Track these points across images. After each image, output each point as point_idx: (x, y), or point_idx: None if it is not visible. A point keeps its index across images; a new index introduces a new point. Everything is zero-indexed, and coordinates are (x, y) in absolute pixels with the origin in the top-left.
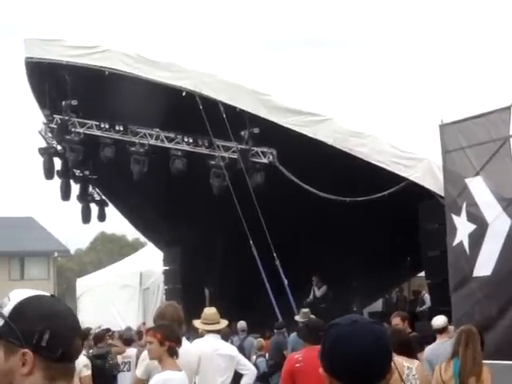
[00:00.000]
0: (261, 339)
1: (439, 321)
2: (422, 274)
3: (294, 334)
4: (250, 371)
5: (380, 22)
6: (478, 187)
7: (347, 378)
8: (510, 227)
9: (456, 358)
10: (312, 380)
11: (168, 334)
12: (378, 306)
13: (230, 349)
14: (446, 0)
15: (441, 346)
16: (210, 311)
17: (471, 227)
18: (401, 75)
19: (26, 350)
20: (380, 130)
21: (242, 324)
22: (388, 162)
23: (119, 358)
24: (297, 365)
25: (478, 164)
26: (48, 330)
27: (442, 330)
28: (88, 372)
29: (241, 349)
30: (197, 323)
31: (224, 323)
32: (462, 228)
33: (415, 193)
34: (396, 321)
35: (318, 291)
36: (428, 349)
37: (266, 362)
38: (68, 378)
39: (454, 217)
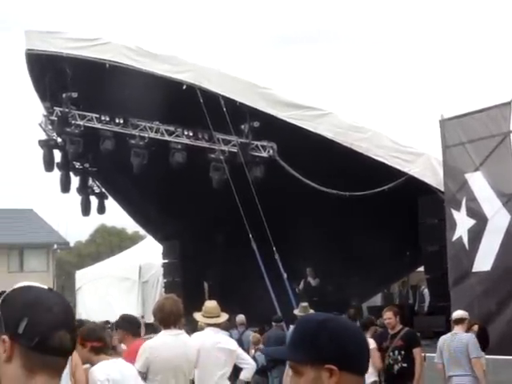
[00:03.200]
0: (256, 334)
1: (459, 312)
2: (422, 268)
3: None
4: (249, 365)
5: (381, 16)
6: (477, 182)
7: (361, 368)
8: (510, 223)
9: None
10: None
11: (86, 335)
12: (376, 300)
13: (229, 342)
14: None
15: (453, 337)
16: (210, 304)
17: (471, 222)
18: (402, 70)
19: (4, 337)
20: (380, 124)
21: (240, 318)
22: (388, 156)
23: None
24: None
25: (478, 159)
26: (26, 317)
27: (459, 322)
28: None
29: (239, 342)
30: (197, 316)
31: (224, 317)
32: (462, 223)
33: (415, 187)
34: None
35: (313, 281)
36: (441, 338)
37: (264, 356)
38: (50, 371)
39: (454, 212)
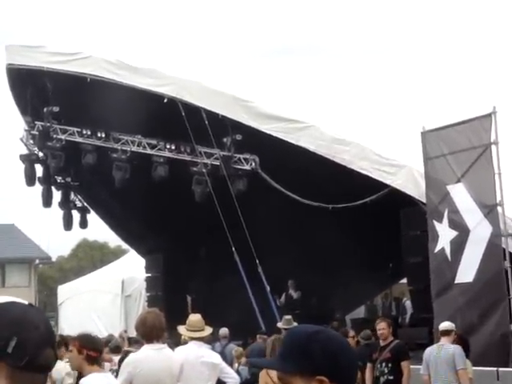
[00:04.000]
0: (239, 347)
1: (446, 324)
2: (404, 280)
3: None
4: (233, 379)
5: (363, 30)
6: (459, 194)
7: (351, 381)
8: (491, 234)
9: None
10: None
11: (85, 343)
12: (359, 312)
13: (213, 356)
14: (428, 9)
15: (439, 349)
16: (194, 318)
17: (453, 234)
18: (384, 83)
19: None
20: (362, 136)
21: (223, 331)
22: (370, 168)
23: (107, 366)
24: None
25: (460, 171)
26: (15, 336)
27: (445, 333)
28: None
29: (222, 355)
30: (181, 329)
31: (208, 330)
32: (444, 234)
33: (397, 199)
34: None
35: (294, 294)
36: (427, 350)
37: (248, 370)
38: None
39: (436, 223)
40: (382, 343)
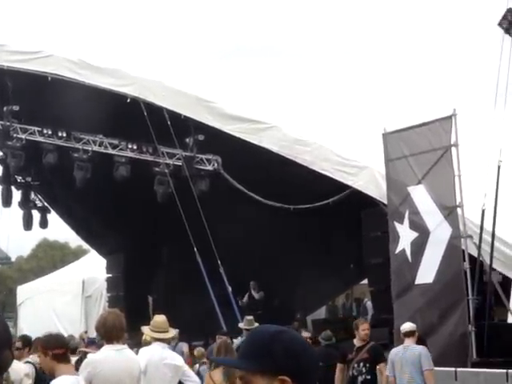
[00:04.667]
0: (201, 348)
1: (408, 325)
2: (365, 281)
3: (237, 341)
4: (194, 382)
5: (323, 31)
6: (420, 195)
7: (312, 381)
8: (451, 235)
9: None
10: None
11: (47, 343)
12: (321, 313)
13: (176, 358)
14: (387, 9)
15: (404, 350)
16: (159, 319)
17: (413, 235)
18: (344, 84)
19: None
20: (324, 137)
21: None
22: (332, 169)
23: None
24: None
25: (420, 172)
26: None
27: (409, 334)
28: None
29: None
30: (145, 330)
31: (173, 332)
32: (405, 236)
33: (358, 200)
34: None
35: (256, 295)
36: (392, 351)
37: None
38: None
39: (397, 225)
40: (358, 344)
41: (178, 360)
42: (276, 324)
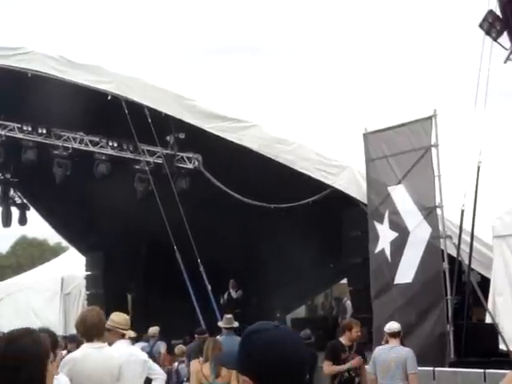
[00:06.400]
0: (181, 345)
1: (394, 325)
2: (345, 280)
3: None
4: (160, 375)
5: (303, 29)
6: (400, 195)
7: (280, 382)
8: (431, 235)
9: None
10: None
11: None
12: (300, 312)
13: (142, 354)
14: (368, 8)
15: (390, 350)
16: (119, 318)
17: (393, 235)
18: (325, 83)
19: None
20: (305, 137)
21: (153, 329)
22: (312, 169)
23: None
24: None
25: (401, 173)
26: None
27: (395, 335)
28: None
29: (150, 354)
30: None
31: (132, 333)
32: (384, 236)
33: (339, 200)
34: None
35: (234, 293)
36: (377, 349)
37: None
38: None
39: (377, 224)
40: (347, 343)
41: (144, 355)
42: (254, 323)
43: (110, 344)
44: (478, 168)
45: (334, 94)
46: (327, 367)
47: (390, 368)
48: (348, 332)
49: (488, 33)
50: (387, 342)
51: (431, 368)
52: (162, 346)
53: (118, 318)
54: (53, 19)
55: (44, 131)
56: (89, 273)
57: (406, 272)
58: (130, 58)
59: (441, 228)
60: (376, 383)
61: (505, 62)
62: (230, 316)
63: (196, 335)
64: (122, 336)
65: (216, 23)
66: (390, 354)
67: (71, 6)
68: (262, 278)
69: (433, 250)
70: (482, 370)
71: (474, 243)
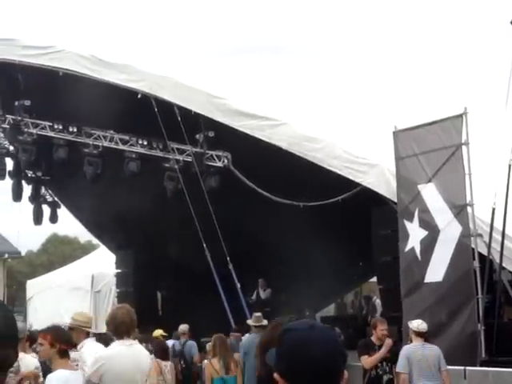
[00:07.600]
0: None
1: (423, 325)
2: (374, 279)
3: (245, 338)
4: None
5: (332, 27)
6: (430, 194)
7: (307, 381)
8: (461, 234)
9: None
10: None
11: (58, 337)
12: (329, 310)
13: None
14: (398, 7)
15: (424, 348)
16: (84, 315)
17: (423, 233)
18: (355, 81)
19: None
20: (334, 135)
21: (183, 327)
22: (342, 167)
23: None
24: None
25: (431, 171)
26: None
27: (423, 334)
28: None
29: (181, 353)
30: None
31: (92, 330)
32: (414, 234)
33: (368, 198)
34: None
35: (263, 293)
36: (407, 347)
37: None
38: None
39: (407, 223)
40: (377, 342)
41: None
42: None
43: (78, 343)
44: (510, 166)
45: (363, 91)
46: (365, 360)
47: (429, 365)
48: (374, 330)
49: None
50: (411, 341)
51: (462, 367)
52: (194, 348)
53: (81, 316)
54: (84, 19)
55: (75, 130)
56: (119, 271)
57: (436, 270)
58: (159, 57)
59: (471, 226)
60: (407, 382)
61: None
62: (259, 314)
63: (231, 333)
64: (87, 334)
65: (237, 23)
66: (425, 351)
67: (101, 6)
68: (291, 276)
69: (463, 249)
70: None
71: (505, 242)
